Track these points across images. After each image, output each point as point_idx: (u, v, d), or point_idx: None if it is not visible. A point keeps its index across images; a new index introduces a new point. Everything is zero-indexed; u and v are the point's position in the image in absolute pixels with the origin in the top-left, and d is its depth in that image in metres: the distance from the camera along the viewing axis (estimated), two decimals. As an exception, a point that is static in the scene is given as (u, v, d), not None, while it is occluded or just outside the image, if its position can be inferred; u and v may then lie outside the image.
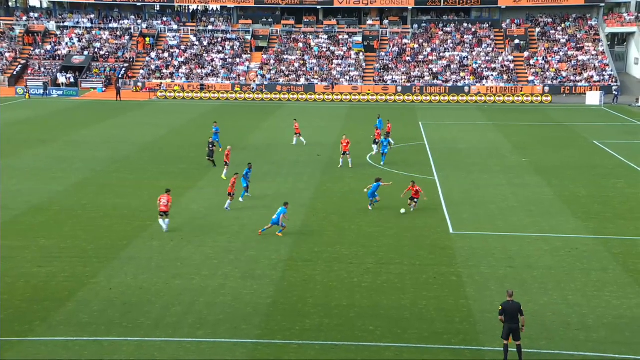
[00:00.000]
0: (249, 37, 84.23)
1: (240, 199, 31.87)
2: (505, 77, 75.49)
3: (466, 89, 73.97)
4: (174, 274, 23.13)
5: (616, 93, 70.24)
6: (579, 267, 23.81)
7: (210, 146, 39.45)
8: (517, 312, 17.33)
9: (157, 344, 18.28)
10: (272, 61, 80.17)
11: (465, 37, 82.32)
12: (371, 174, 38.60)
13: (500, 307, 17.54)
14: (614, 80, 73.81)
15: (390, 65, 78.83)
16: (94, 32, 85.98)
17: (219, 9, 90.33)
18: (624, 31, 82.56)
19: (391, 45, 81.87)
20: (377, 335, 18.79)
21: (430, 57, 79.61)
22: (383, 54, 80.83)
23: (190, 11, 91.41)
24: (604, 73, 74.99)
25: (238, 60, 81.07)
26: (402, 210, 29.99)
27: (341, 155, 39.76)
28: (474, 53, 79.70)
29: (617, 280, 22.59)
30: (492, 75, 75.93)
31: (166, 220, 27.44)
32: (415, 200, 30.65)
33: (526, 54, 78.91)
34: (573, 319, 19.67)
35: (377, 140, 43.23)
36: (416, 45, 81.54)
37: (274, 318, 19.80)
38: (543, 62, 77.67)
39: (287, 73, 78.06)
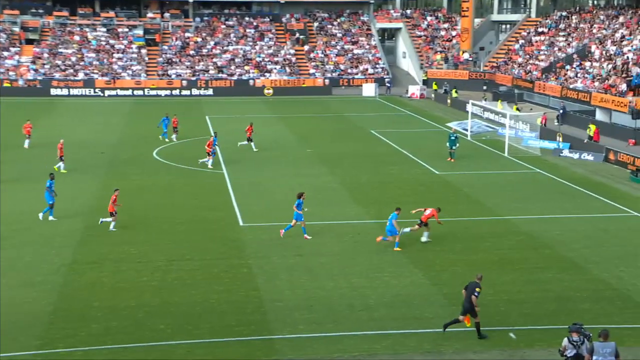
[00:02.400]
0: (17, 29, 78.45)
1: (41, 215, 27.98)
2: (288, 70, 77.46)
3: (251, 82, 74.92)
4: (-61, 288, 21.00)
5: (389, 85, 74.88)
6: (361, 251, 25.02)
7: None
8: (471, 293, 17.97)
9: None
10: (45, 55, 75.44)
11: (248, 30, 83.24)
12: (166, 171, 37.85)
13: (467, 284, 18.39)
14: (386, 72, 78.63)
15: (174, 59, 77.61)
16: None
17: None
18: (392, 27, 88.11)
19: (174, 38, 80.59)
20: (168, 334, 18.44)
21: (214, 51, 79.52)
22: (166, 47, 79.36)
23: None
24: (377, 66, 79.59)
25: (6, 53, 75.26)
26: (424, 238, 25.74)
27: (208, 155, 38.42)
28: (257, 47, 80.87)
29: (395, 261, 24.03)
30: (275, 68, 77.53)
31: None
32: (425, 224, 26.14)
33: (306, 47, 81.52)
34: (357, 300, 20.62)
35: (249, 138, 42.95)
36: (199, 39, 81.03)
37: (56, 326, 18.69)
38: (322, 55, 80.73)
39: (63, 67, 73.92)
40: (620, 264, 23.63)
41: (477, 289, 18.06)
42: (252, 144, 43.12)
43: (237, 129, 48.63)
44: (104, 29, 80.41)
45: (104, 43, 78.51)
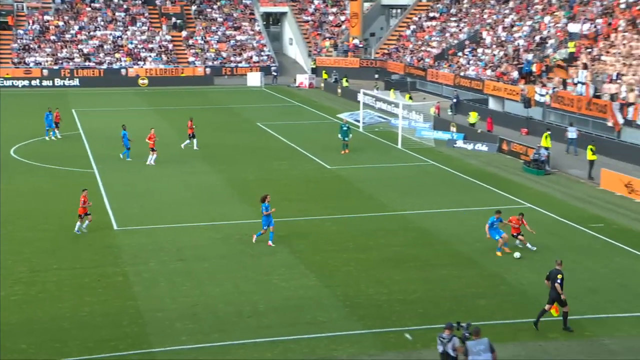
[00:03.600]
0: None
1: None
2: (164, 57, 76.24)
3: (123, 71, 73.25)
4: None
5: (275, 73, 75.11)
6: (250, 253, 25.10)
7: None
8: (554, 281, 18.82)
9: None
10: None
11: (117, 14, 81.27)
12: (27, 171, 36.49)
13: (548, 273, 19.34)
14: (272, 60, 78.84)
15: (32, 45, 74.73)
16: None
17: None
18: (277, 11, 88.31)
19: (30, 22, 77.56)
20: (31, 354, 17.87)
21: (79, 37, 77.17)
22: (21, 32, 76.27)
23: None
24: (262, 53, 79.67)
25: None
26: (517, 255, 24.66)
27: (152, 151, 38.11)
28: (129, 32, 79.13)
29: (285, 262, 24.26)
30: (150, 56, 76.14)
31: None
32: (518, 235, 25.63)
33: (184, 33, 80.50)
34: (245, 306, 20.67)
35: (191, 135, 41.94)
36: (61, 23, 78.38)
37: None
38: (202, 42, 79.98)
39: None
40: (513, 258, 24.76)
41: (559, 276, 18.85)
42: (195, 141, 42.06)
43: (104, 125, 47.71)
44: (-53, 10, 76.38)
45: (-52, 27, 74.60)
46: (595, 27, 52.52)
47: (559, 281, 18.84)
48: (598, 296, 21.63)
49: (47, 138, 44.53)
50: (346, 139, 41.53)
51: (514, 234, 25.64)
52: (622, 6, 53.11)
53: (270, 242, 25.73)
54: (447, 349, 15.66)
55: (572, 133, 41.86)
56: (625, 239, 26.54)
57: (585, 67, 47.41)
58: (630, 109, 41.66)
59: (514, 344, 18.40)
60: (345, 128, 41.82)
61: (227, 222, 28.68)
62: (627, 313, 20.49)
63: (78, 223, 26.94)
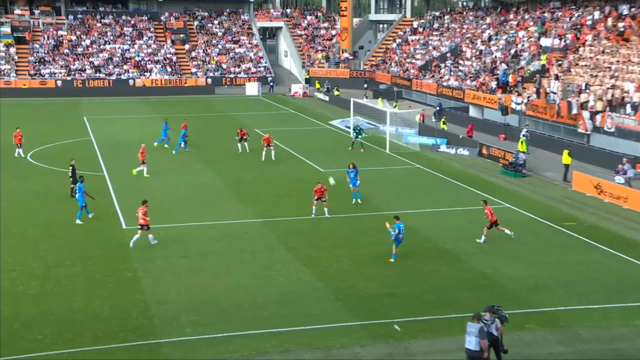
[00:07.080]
0: None
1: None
2: (169, 69, 75.97)
3: (130, 82, 72.94)
4: None
5: (271, 83, 74.98)
6: (248, 250, 24.93)
7: None
8: None
9: None
10: None
11: (125, 29, 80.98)
12: (42, 174, 36.10)
13: None
14: (268, 71, 78.67)
15: (47, 58, 74.36)
16: None
17: None
18: (273, 26, 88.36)
19: (46, 37, 77.18)
20: (47, 344, 17.65)
21: (90, 50, 76.82)
22: (37, 46, 75.87)
23: None
24: (259, 65, 79.51)
25: None
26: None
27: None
28: (136, 45, 78.83)
29: (281, 258, 24.10)
30: (155, 67, 75.86)
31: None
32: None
33: (187, 46, 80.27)
34: (245, 300, 20.51)
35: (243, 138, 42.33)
36: (74, 37, 78.03)
37: None
38: (204, 54, 79.75)
39: None
40: (493, 253, 24.70)
41: None
42: (246, 144, 42.13)
43: (113, 131, 47.56)
44: (-32, 26, 75.92)
45: (-31, 41, 74.14)
46: (565, 41, 52.55)
47: None
48: (572, 289, 21.54)
49: (155, 144, 43.10)
50: (359, 137, 43.65)
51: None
52: (589, 23, 53.21)
53: (358, 200, 30.59)
54: (490, 330, 15.69)
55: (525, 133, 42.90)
56: (596, 236, 26.49)
57: (556, 77, 47.41)
58: (598, 117, 41.69)
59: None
60: (357, 130, 44.16)
61: (227, 221, 28.50)
62: (597, 305, 20.42)
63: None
